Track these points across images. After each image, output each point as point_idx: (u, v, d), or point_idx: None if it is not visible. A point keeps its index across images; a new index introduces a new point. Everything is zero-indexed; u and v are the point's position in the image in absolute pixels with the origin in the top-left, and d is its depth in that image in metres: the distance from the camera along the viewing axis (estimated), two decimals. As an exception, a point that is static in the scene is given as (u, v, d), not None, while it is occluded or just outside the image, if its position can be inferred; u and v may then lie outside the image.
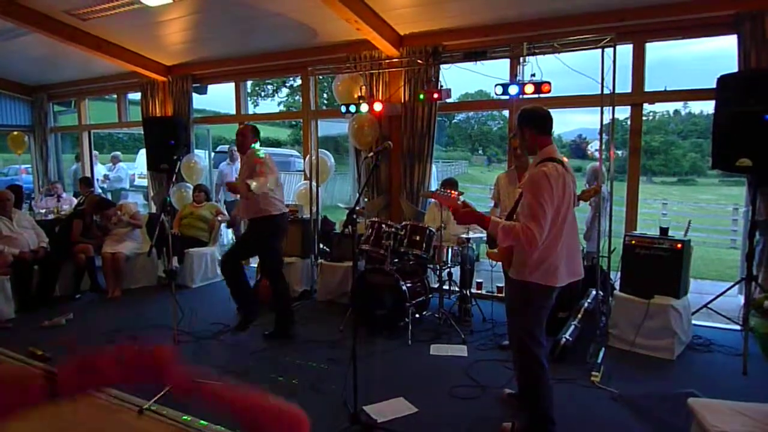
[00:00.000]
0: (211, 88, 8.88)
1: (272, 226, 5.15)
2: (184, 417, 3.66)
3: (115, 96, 10.00)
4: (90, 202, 7.34)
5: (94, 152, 11.38)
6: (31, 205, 9.85)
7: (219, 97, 10.55)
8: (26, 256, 6.24)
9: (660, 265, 4.78)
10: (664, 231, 4.93)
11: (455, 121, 39.02)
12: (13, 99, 10.60)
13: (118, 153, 12.04)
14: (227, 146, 13.33)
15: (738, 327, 5.20)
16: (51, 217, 8.44)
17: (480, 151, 39.65)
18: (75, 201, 8.95)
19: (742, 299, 5.59)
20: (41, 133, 10.62)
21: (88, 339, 5.24)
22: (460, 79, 6.32)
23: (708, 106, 33.05)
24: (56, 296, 6.63)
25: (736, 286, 5.54)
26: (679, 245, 4.74)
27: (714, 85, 4.68)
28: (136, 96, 9.23)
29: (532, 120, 3.27)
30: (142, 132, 8.86)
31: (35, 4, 6.49)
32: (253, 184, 4.68)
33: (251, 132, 5.22)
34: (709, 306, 5.32)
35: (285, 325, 5.28)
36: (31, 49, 8.31)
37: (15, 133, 10.15)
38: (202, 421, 3.61)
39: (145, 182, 12.12)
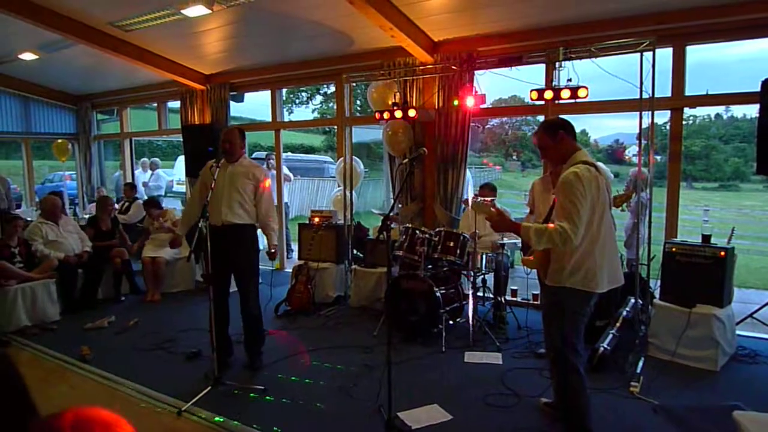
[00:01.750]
0: (247, 96, 9.06)
1: (255, 233, 4.78)
2: (217, 418, 3.75)
3: (156, 104, 10.29)
4: (100, 202, 7.53)
5: (144, 160, 11.71)
6: (75, 210, 10.18)
7: (255, 104, 10.76)
8: (71, 260, 6.45)
9: (702, 274, 4.65)
10: (706, 238, 4.80)
11: (489, 126, 38.77)
12: (59, 108, 11.02)
13: (157, 159, 12.30)
14: (264, 153, 13.55)
15: (785, 338, 5.03)
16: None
17: (514, 157, 39.32)
18: (117, 207, 9.19)
19: (789, 309, 5.40)
20: (85, 140, 10.98)
21: (129, 341, 5.40)
22: (494, 84, 6.29)
23: (751, 110, 32.18)
24: (99, 299, 6.83)
25: (783, 296, 5.36)
26: (723, 253, 4.60)
27: (758, 89, 4.54)
28: (175, 104, 9.48)
29: (564, 127, 3.25)
30: (181, 139, 9.08)
31: (81, 16, 6.73)
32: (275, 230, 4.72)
33: (239, 137, 4.66)
34: (754, 316, 5.16)
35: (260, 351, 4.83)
36: (77, 60, 8.63)
37: (59, 140, 10.52)
38: (235, 422, 3.69)
39: (183, 188, 12.39)
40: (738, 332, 4.98)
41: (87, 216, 9.03)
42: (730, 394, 4.00)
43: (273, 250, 4.71)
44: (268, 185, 4.75)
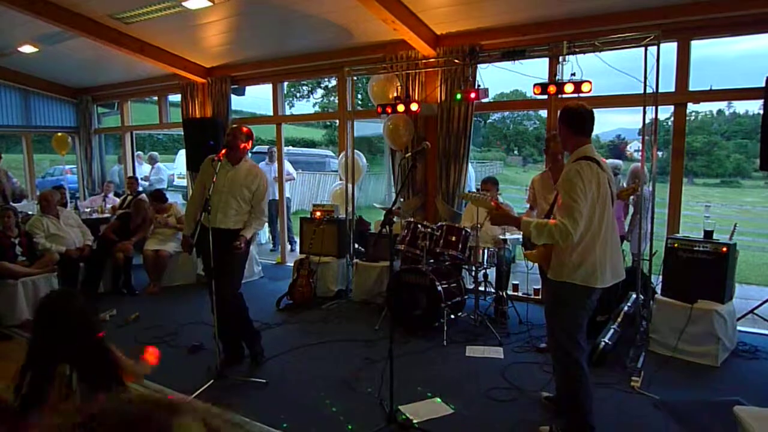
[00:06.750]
0: (248, 89, 9.02)
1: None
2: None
3: (156, 98, 10.26)
4: (138, 205, 7.56)
5: (139, 153, 11.67)
6: (76, 204, 10.15)
7: (256, 98, 10.72)
8: (72, 254, 6.45)
9: (704, 269, 4.64)
10: (708, 234, 4.79)
11: (490, 121, 38.72)
12: (59, 101, 10.99)
13: (155, 153, 12.23)
14: (266, 147, 13.52)
15: (786, 334, 5.03)
16: (96, 216, 8.68)
17: (515, 152, 39.26)
18: (117, 201, 9.18)
19: (790, 305, 5.39)
20: (85, 134, 10.95)
21: (131, 334, 5.40)
22: (496, 78, 6.26)
23: (754, 106, 32.10)
24: (100, 292, 6.83)
25: (785, 292, 5.35)
26: (725, 249, 4.60)
27: (762, 84, 4.53)
28: (176, 98, 9.45)
29: (569, 119, 3.24)
30: (182, 133, 9.06)
31: (80, 8, 6.70)
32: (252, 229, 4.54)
33: (242, 135, 4.43)
34: (755, 312, 5.16)
35: (258, 345, 4.76)
36: (77, 53, 8.59)
37: (59, 134, 10.48)
38: (237, 415, 3.68)
39: (184, 182, 12.36)
40: (739, 328, 4.98)
41: (88, 209, 9.01)
42: (730, 390, 4.01)
43: (239, 243, 4.31)
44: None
